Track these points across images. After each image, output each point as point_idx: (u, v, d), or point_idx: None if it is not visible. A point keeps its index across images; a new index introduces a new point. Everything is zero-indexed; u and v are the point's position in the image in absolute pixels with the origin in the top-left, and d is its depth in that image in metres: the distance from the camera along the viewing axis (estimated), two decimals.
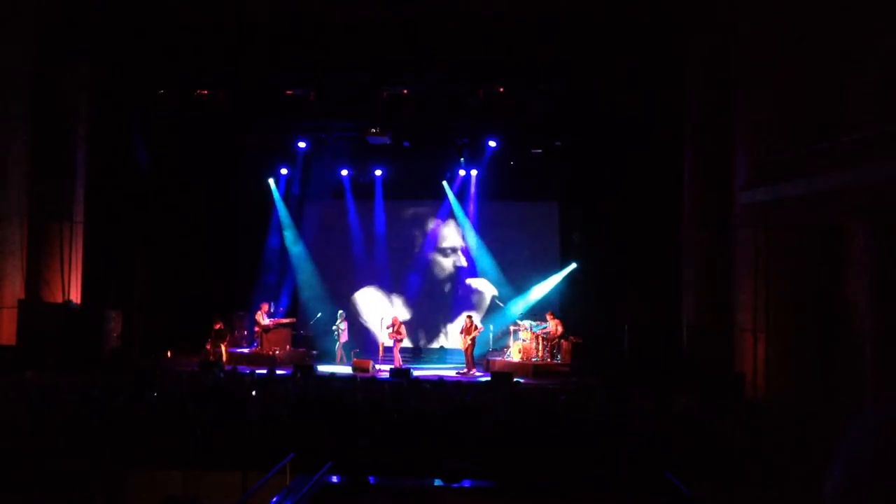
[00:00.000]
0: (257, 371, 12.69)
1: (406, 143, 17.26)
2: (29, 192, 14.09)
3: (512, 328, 16.78)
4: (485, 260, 18.47)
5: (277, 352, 16.17)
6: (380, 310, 18.47)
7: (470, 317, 16.08)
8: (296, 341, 17.27)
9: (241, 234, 18.21)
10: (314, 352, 17.29)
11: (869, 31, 10.09)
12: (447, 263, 19.03)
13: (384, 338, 16.82)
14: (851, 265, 10.33)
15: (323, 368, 14.47)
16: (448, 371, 15.58)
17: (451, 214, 18.78)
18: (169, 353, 16.45)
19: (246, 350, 16.84)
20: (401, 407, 8.18)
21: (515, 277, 18.27)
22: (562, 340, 15.73)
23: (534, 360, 15.71)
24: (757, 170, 11.80)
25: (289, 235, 18.94)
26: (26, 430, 7.22)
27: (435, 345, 18.60)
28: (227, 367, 13.68)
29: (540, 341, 15.90)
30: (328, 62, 15.24)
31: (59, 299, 14.29)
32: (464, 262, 18.89)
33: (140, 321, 16.29)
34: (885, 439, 1.01)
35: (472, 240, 18.59)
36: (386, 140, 16.41)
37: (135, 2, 14.41)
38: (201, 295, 16.93)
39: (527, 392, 11.22)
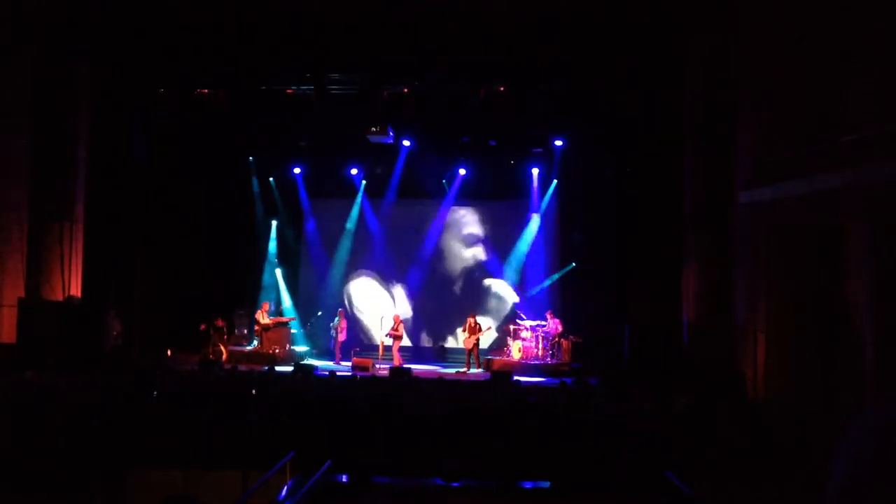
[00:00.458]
0: (257, 370, 12.70)
1: (406, 143, 17.29)
2: (29, 191, 14.08)
3: (512, 328, 16.79)
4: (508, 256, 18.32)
5: (277, 350, 16.18)
6: (378, 304, 18.49)
7: (473, 316, 16.09)
8: (296, 340, 17.30)
9: (241, 234, 18.24)
10: (314, 350, 17.30)
11: (869, 31, 10.08)
12: (467, 254, 18.87)
13: (384, 336, 16.82)
14: (851, 265, 10.32)
15: (323, 367, 14.48)
16: (448, 370, 15.59)
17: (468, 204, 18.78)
18: (169, 352, 16.46)
19: (246, 349, 16.85)
20: (401, 406, 8.18)
21: (515, 277, 18.30)
22: (561, 340, 15.74)
23: (533, 359, 15.71)
24: (757, 170, 11.79)
25: (289, 235, 18.96)
26: (26, 430, 7.22)
27: (436, 344, 18.60)
28: (226, 366, 13.69)
29: (540, 341, 15.90)
30: (328, 62, 15.25)
31: (60, 298, 14.29)
32: (483, 256, 18.75)
33: (140, 320, 16.28)
34: (885, 439, 1.01)
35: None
36: (386, 139, 16.42)
37: (135, 2, 14.40)
38: (201, 294, 16.95)
39: (526, 391, 11.22)
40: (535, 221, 18.39)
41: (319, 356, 17.19)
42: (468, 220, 18.97)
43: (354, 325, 18.26)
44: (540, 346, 15.88)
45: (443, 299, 18.70)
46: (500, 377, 12.93)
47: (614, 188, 16.74)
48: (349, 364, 15.63)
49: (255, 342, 16.80)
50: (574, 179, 17.66)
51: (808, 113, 11.10)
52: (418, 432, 7.04)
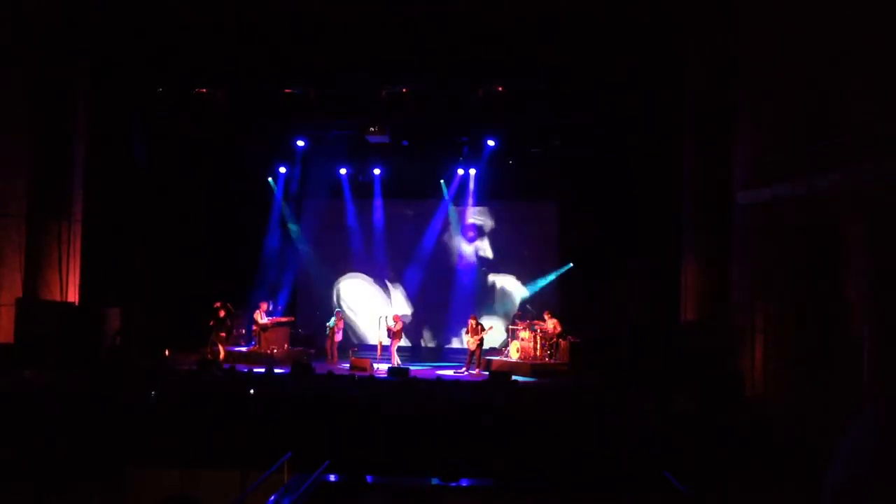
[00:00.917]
0: (255, 370, 12.68)
1: (405, 142, 17.27)
2: (28, 190, 14.07)
3: (510, 328, 16.78)
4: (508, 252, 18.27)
5: (276, 350, 16.17)
6: (372, 304, 18.49)
7: (475, 317, 16.07)
8: (294, 340, 17.27)
9: (240, 234, 18.22)
10: (312, 350, 17.28)
11: (869, 31, 10.07)
12: (467, 253, 18.84)
13: (382, 336, 16.79)
14: (851, 265, 10.32)
15: (321, 367, 14.46)
16: (447, 370, 15.58)
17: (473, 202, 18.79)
18: (167, 352, 16.44)
19: (244, 349, 16.83)
20: (399, 406, 8.17)
21: (515, 277, 18.30)
22: (560, 340, 15.73)
23: (532, 359, 15.70)
24: (756, 170, 11.78)
25: (288, 234, 18.96)
26: (25, 430, 7.21)
27: (435, 344, 18.59)
28: (225, 366, 13.67)
29: (538, 341, 15.90)
30: (328, 61, 15.23)
31: (58, 298, 14.27)
32: (483, 254, 18.72)
33: (139, 320, 16.25)
34: (885, 438, 1.01)
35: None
36: (385, 139, 16.40)
37: (134, 2, 14.39)
38: (200, 294, 16.93)
39: (525, 391, 11.22)
40: (531, 220, 18.40)
41: (317, 356, 17.16)
42: (468, 220, 18.96)
43: (346, 325, 18.25)
44: (538, 345, 15.87)
45: (443, 299, 18.68)
46: (499, 377, 12.92)
47: (614, 188, 16.72)
48: (346, 364, 15.61)
49: (254, 342, 16.78)
50: (574, 179, 17.64)
51: (807, 113, 11.10)
52: (416, 432, 7.04)
